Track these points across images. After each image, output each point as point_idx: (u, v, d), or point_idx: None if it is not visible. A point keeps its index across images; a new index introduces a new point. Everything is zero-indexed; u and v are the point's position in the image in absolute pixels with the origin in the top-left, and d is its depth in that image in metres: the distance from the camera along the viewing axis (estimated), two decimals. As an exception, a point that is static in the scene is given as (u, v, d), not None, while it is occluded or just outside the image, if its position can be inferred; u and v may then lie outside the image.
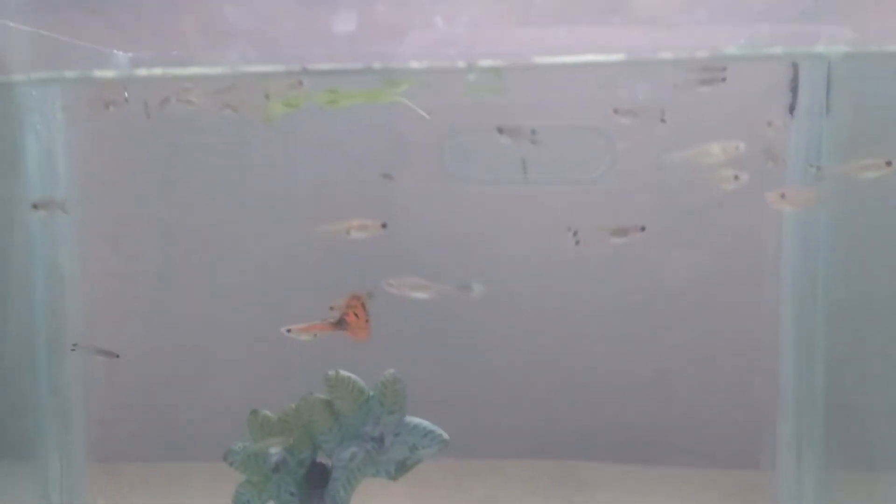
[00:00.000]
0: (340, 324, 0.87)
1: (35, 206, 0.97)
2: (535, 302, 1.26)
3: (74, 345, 1.01)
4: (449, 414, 1.12)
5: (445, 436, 0.91)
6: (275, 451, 0.90)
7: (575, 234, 0.87)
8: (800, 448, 1.09)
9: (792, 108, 0.95)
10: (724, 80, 0.86)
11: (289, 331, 0.87)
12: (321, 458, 0.94)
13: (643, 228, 0.86)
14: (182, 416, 1.24)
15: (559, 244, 1.26)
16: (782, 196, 0.84)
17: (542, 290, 1.27)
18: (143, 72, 1.02)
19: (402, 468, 0.90)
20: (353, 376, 0.91)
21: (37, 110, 1.02)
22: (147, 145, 1.18)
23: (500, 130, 0.90)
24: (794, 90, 0.96)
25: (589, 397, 1.27)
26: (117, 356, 0.99)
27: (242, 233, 1.21)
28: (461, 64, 0.89)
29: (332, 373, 0.91)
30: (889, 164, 0.81)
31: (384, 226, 0.89)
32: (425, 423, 0.91)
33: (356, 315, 0.87)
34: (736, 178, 0.83)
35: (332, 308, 0.88)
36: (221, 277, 1.25)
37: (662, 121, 0.90)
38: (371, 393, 0.91)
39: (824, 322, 1.06)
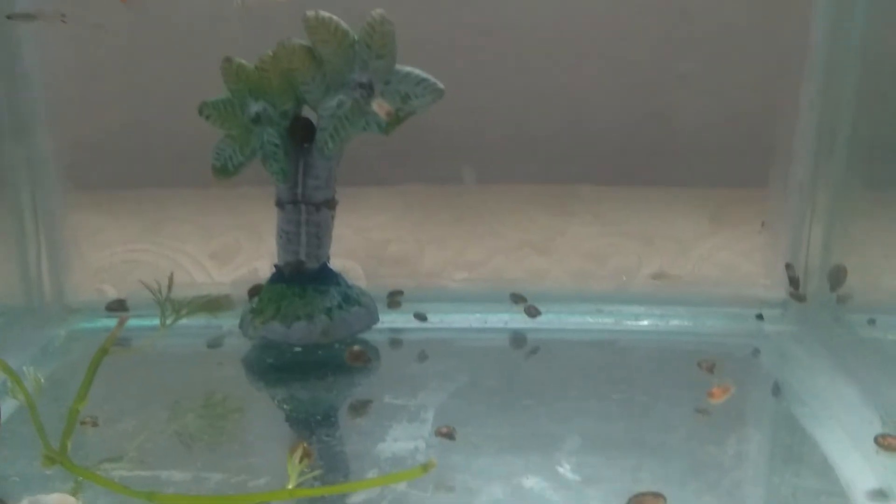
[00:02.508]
0: None
1: None
2: (545, 29, 1.17)
3: (9, 15, 0.88)
4: (461, 148, 1.06)
5: (440, 84, 0.82)
6: (254, 102, 0.84)
7: None
8: (816, 164, 1.04)
9: None
10: None
11: None
12: (306, 115, 0.88)
13: None
14: (165, 143, 1.17)
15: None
16: None
17: (551, 17, 1.17)
18: None
19: (394, 120, 0.82)
20: (335, 17, 0.81)
21: None
22: None
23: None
24: None
25: (593, 125, 1.21)
26: (64, 18, 0.90)
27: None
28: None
29: (310, 13, 0.80)
30: None
31: None
32: (418, 70, 0.82)
33: None
34: None
35: None
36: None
37: None
38: (356, 36, 0.81)
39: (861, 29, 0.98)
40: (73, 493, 0.67)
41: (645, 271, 1.14)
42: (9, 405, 0.77)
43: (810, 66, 1.03)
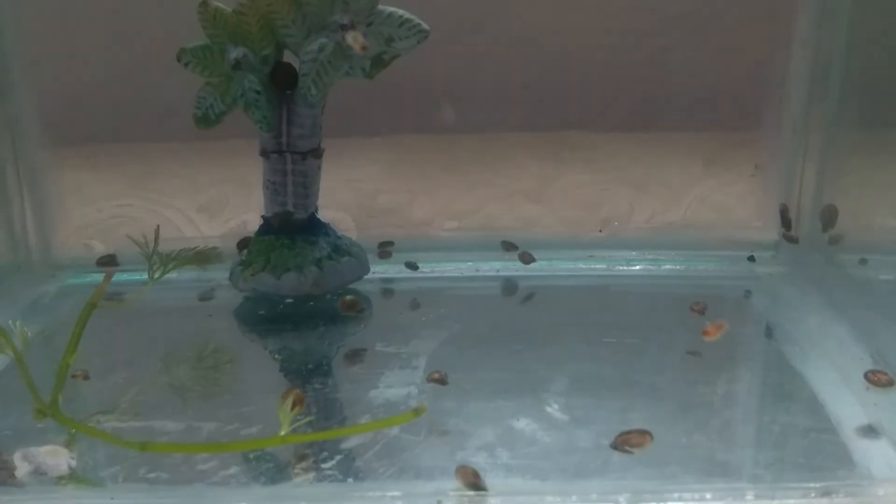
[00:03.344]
0: None
1: None
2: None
3: None
4: (450, 96, 1.04)
5: (424, 25, 0.80)
6: (234, 48, 0.82)
7: None
8: (809, 105, 1.01)
9: None
10: None
11: None
12: (288, 61, 0.86)
13: None
14: (149, 95, 1.14)
15: None
16: None
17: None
18: None
19: (378, 64, 0.81)
20: (313, -44, 0.81)
21: None
22: None
23: None
24: None
25: (582, 70, 1.18)
26: None
27: None
28: None
29: (289, -47, 0.81)
30: None
31: None
32: (401, 11, 0.80)
33: None
34: None
35: None
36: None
37: None
38: (337, -24, 0.81)
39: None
40: (67, 444, 0.67)
41: (638, 217, 1.15)
42: (0, 361, 0.77)
43: (803, 4, 1.01)
